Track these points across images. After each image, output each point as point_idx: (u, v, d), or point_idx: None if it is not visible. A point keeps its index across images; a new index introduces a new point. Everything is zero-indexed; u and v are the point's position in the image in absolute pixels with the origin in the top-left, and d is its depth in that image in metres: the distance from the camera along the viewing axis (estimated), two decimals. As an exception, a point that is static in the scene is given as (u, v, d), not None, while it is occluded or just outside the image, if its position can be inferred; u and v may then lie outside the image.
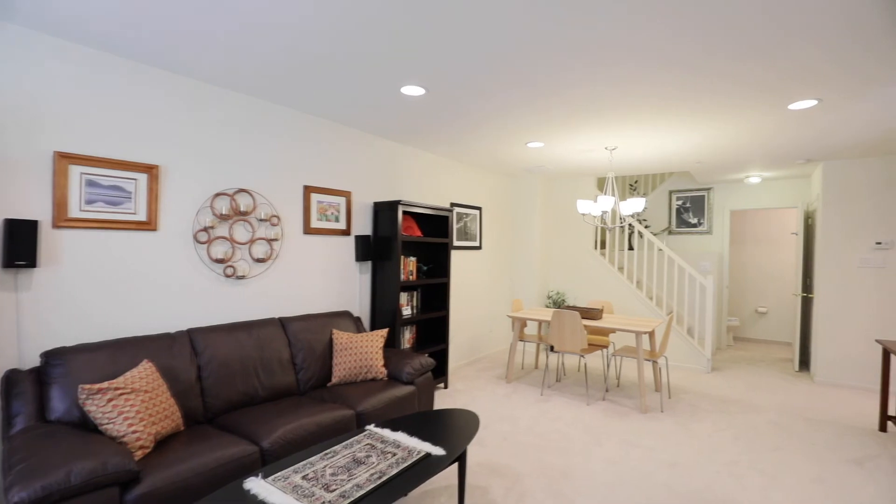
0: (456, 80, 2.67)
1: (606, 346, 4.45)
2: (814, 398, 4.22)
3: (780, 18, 1.92)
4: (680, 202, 6.72)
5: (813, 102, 2.91)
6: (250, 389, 2.67)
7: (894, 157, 4.42)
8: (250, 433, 2.26)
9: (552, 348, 4.17)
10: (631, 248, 6.67)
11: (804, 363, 5.34)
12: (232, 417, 2.45)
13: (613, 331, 3.95)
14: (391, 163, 4.20)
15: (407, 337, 4.15)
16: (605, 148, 4.25)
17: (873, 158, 4.50)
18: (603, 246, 6.59)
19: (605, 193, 4.20)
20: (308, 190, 3.41)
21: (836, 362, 4.67)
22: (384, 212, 3.85)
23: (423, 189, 4.62)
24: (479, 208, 5.45)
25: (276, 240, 3.20)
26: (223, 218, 2.89)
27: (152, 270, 2.58)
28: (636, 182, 7.09)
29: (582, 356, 4.08)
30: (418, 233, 4.13)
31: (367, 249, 3.82)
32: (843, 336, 4.64)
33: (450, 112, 3.28)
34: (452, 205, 5.01)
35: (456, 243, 5.06)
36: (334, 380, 3.04)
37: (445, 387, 4.36)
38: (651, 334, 4.06)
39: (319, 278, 3.53)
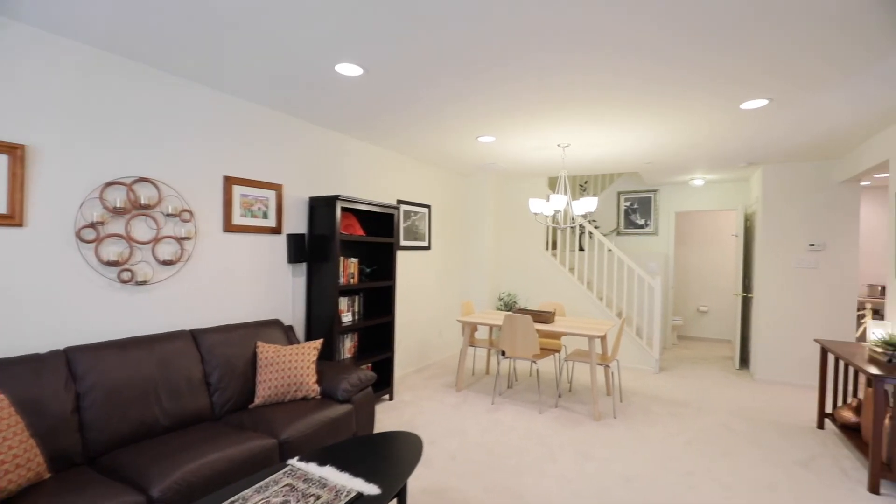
0: (399, 60, 2.36)
1: (559, 351, 4.31)
2: (755, 397, 4.29)
3: (741, 4, 1.77)
4: (628, 203, 6.78)
5: (764, 102, 2.86)
6: (149, 418, 2.21)
7: (825, 163, 4.60)
8: (139, 477, 1.82)
9: (503, 353, 3.96)
10: (581, 249, 6.65)
11: (744, 361, 5.50)
12: (121, 456, 2.00)
13: (566, 335, 3.79)
14: (330, 154, 3.81)
15: (347, 346, 3.78)
16: (558, 145, 4.09)
17: (807, 163, 4.66)
18: (554, 247, 6.52)
19: (558, 192, 4.05)
20: (229, 181, 2.97)
21: (774, 360, 4.81)
22: (321, 208, 3.46)
23: (367, 185, 4.27)
24: (428, 206, 5.16)
25: (187, 238, 2.74)
26: (117, 212, 2.40)
27: (16, 276, 2.07)
28: (586, 182, 7.08)
29: (534, 362, 3.90)
30: (360, 231, 3.78)
31: (302, 250, 3.42)
32: (781, 335, 4.78)
33: (393, 98, 2.96)
34: (399, 202, 4.68)
35: (403, 243, 4.74)
36: (258, 400, 2.64)
37: (391, 398, 4.03)
38: (603, 338, 3.94)
39: (244, 283, 3.09)
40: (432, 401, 4.03)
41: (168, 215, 2.64)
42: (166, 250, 2.63)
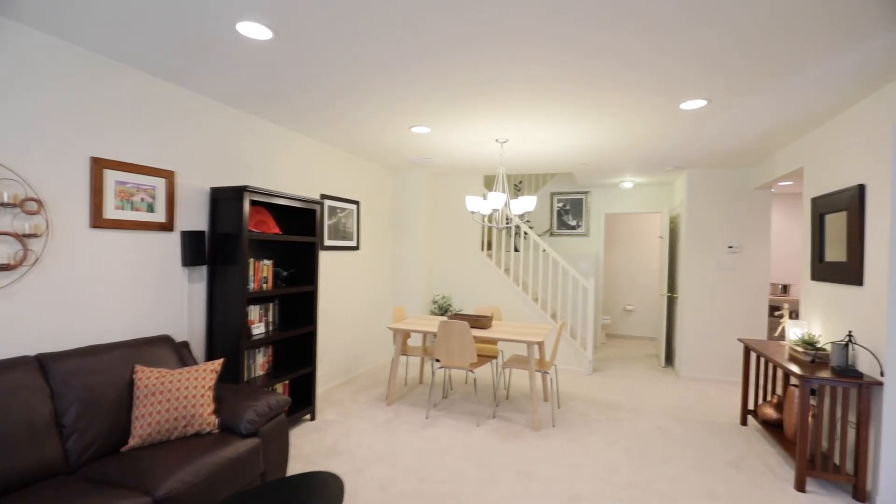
0: (315, 21, 1.96)
1: (496, 357, 4.09)
2: (683, 395, 4.38)
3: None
4: (561, 204, 6.81)
5: (703, 102, 2.83)
6: (-41, 482, 1.61)
7: (743, 170, 4.84)
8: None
9: (438, 362, 3.67)
10: (516, 250, 6.56)
11: (669, 359, 5.69)
12: None
13: (505, 341, 3.57)
14: (236, 138, 3.27)
15: (260, 362, 3.27)
16: (497, 140, 3.87)
17: (727, 169, 4.88)
18: (489, 247, 6.36)
19: (496, 190, 3.83)
20: (99, 164, 2.36)
21: (697, 358, 4.99)
22: (226, 201, 2.93)
23: (285, 176, 3.76)
24: (356, 203, 4.72)
25: (35, 236, 2.11)
26: (-83, 199, 1.75)
27: None
28: (521, 183, 7.02)
29: (471, 371, 3.64)
30: (276, 229, 3.28)
31: (200, 250, 2.86)
32: (703, 333, 4.97)
33: (310, 69, 2.53)
34: (324, 197, 4.21)
35: (328, 242, 4.27)
36: (133, 441, 2.09)
37: (312, 418, 3.56)
38: (541, 344, 3.78)
39: (121, 291, 2.49)
40: (361, 418, 3.62)
41: (4, 205, 2.00)
42: (1, 252, 1.99)
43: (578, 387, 4.58)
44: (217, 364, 2.38)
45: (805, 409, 2.66)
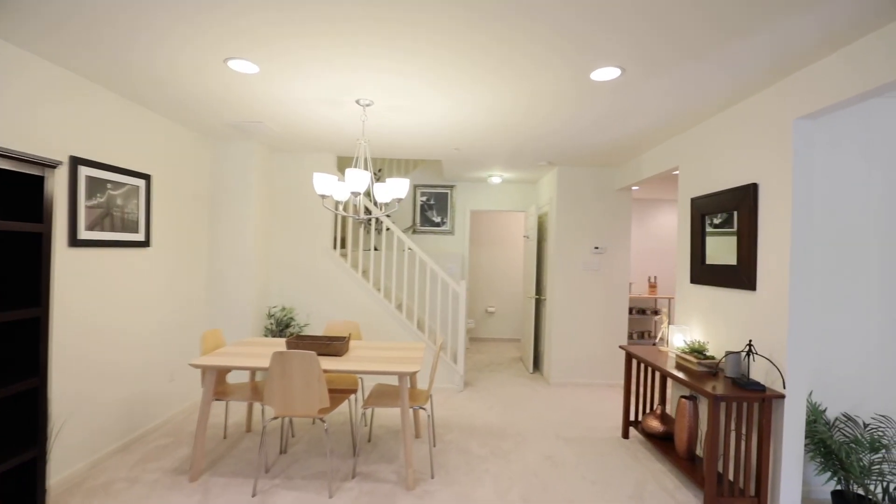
0: None
1: (355, 391, 3.12)
2: (559, 407, 4.05)
3: None
4: (424, 198, 6.12)
5: (617, 72, 2.33)
6: None
7: (608, 169, 4.78)
8: None
9: (271, 406, 2.54)
10: (376, 249, 5.63)
11: (537, 364, 5.45)
12: None
13: (369, 374, 2.63)
14: None
15: None
16: (358, 102, 2.90)
17: (596, 168, 4.77)
18: (343, 245, 5.29)
19: (357, 167, 2.84)
20: None
21: (566, 363, 4.78)
22: None
23: (-13, 118, 2.16)
24: (145, 177, 3.20)
25: None
26: None
27: None
28: (380, 171, 6.10)
29: (321, 419, 2.62)
30: (-58, 209, 1.73)
31: None
32: (571, 337, 4.79)
33: None
34: (76, 161, 2.64)
35: (85, 235, 2.72)
36: None
37: (39, 534, 2.08)
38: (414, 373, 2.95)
39: None
40: (137, 516, 2.27)
41: None
42: None
43: (452, 409, 3.90)
44: None
45: (716, 429, 2.36)
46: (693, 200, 3.19)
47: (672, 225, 7.07)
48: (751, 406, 2.39)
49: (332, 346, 2.83)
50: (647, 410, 3.57)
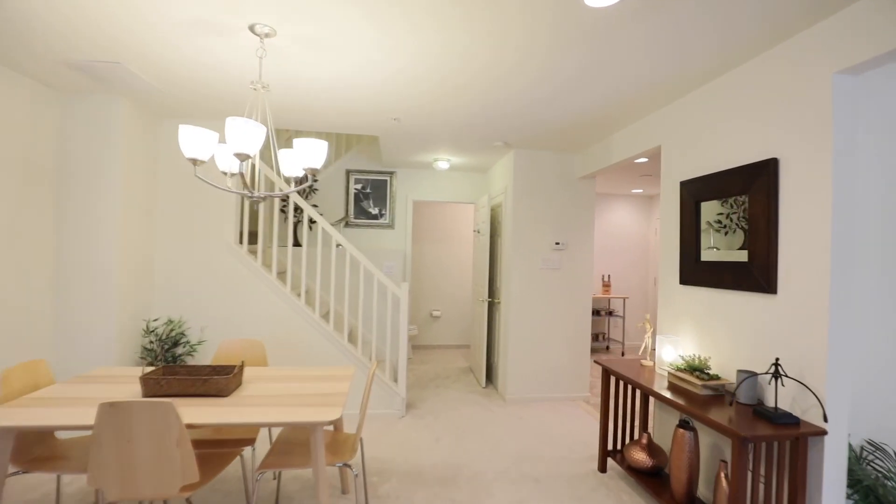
0: None
1: (252, 441, 2.23)
2: (521, 433, 3.39)
3: None
4: (360, 186, 5.25)
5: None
6: None
7: (570, 155, 4.22)
8: None
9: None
10: (298, 245, 4.68)
11: (490, 377, 4.79)
12: None
13: (264, 425, 1.77)
14: None
15: None
16: (252, 29, 2.02)
17: (557, 153, 4.18)
18: (254, 240, 4.30)
19: (253, 118, 1.96)
20: None
21: (524, 375, 4.16)
22: None
23: None
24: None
25: None
26: None
27: None
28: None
29: (187, 501, 1.73)
30: None
31: None
32: (530, 345, 4.17)
33: None
34: None
35: None
36: None
37: None
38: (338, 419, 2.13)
39: None
40: None
41: None
42: None
43: (391, 444, 3.11)
44: None
45: (742, 478, 1.77)
46: (684, 185, 2.65)
47: (625, 222, 6.74)
48: (782, 445, 1.84)
49: (213, 383, 1.94)
50: (629, 438, 3.00)
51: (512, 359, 4.13)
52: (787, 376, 1.85)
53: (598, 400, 4.23)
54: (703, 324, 2.48)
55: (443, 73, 2.44)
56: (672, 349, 2.55)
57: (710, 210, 2.44)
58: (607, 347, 6.43)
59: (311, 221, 4.93)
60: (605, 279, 6.43)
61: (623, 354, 6.18)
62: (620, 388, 3.36)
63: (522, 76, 2.45)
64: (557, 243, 4.18)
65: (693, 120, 2.61)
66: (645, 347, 2.82)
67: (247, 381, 2.20)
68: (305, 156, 1.89)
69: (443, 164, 4.71)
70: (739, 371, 2.07)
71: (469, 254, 6.46)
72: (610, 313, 6.22)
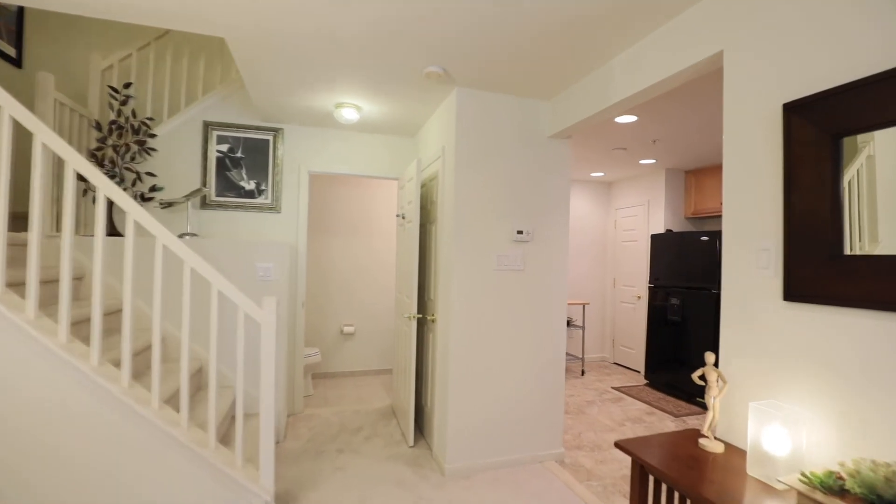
0: None
1: None
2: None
3: None
4: (224, 147, 3.53)
5: None
6: None
7: (537, 102, 2.88)
8: None
9: None
10: (115, 234, 2.86)
11: (420, 428, 3.33)
12: None
13: None
14: None
15: None
16: None
17: (519, 97, 2.82)
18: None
19: None
20: None
21: (473, 428, 2.75)
22: None
23: None
24: None
25: None
26: None
27: None
28: (129, 86, 3.28)
29: None
30: None
31: None
32: (481, 383, 2.77)
33: None
34: None
35: None
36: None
37: None
38: None
39: None
40: None
41: None
42: None
43: None
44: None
45: None
46: (795, 109, 1.37)
47: (581, 213, 5.64)
48: None
49: None
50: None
51: (454, 402, 2.71)
52: None
53: (576, 458, 2.95)
54: (855, 385, 1.21)
55: None
56: (787, 435, 1.26)
57: (879, 151, 1.18)
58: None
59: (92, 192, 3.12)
60: (560, 281, 5.26)
61: (583, 374, 5.05)
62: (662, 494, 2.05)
63: None
64: (520, 232, 2.82)
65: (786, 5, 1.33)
66: (711, 421, 1.51)
67: None
68: None
69: (350, 114, 3.15)
70: None
71: (394, 249, 4.96)
72: (567, 323, 5.06)
